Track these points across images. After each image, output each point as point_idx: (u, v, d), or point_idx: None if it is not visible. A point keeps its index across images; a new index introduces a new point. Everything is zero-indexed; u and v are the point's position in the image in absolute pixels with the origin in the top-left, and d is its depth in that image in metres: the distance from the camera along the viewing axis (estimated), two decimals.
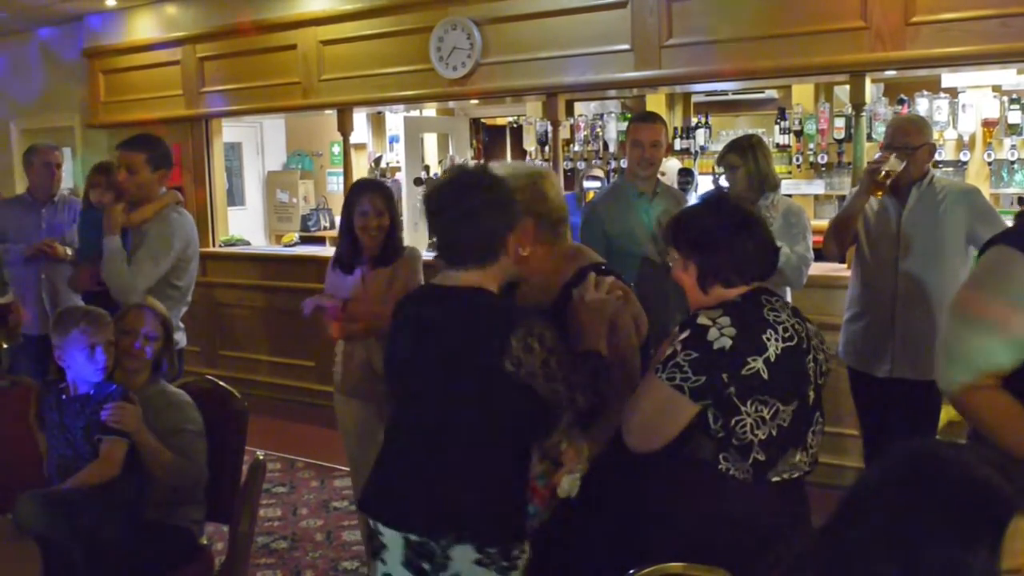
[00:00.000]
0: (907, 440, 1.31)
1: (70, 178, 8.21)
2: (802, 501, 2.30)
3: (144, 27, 7.81)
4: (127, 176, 4.23)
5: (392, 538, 2.25)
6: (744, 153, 4.12)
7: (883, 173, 3.66)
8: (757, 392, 2.13)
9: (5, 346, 4.47)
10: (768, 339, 2.15)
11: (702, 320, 2.17)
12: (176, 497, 3.09)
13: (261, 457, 3.14)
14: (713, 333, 2.13)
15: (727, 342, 2.12)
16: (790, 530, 2.19)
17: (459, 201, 2.24)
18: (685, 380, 2.13)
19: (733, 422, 2.15)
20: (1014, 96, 5.95)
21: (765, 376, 2.12)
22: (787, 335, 2.18)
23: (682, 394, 2.14)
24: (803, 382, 2.21)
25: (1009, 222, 3.82)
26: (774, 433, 2.16)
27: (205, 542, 3.28)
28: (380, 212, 3.59)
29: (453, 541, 2.18)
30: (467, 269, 2.25)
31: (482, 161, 7.97)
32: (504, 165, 2.84)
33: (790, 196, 6.35)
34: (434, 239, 2.32)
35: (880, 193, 3.73)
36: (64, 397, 3.04)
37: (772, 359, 2.13)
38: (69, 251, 5.02)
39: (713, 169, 6.70)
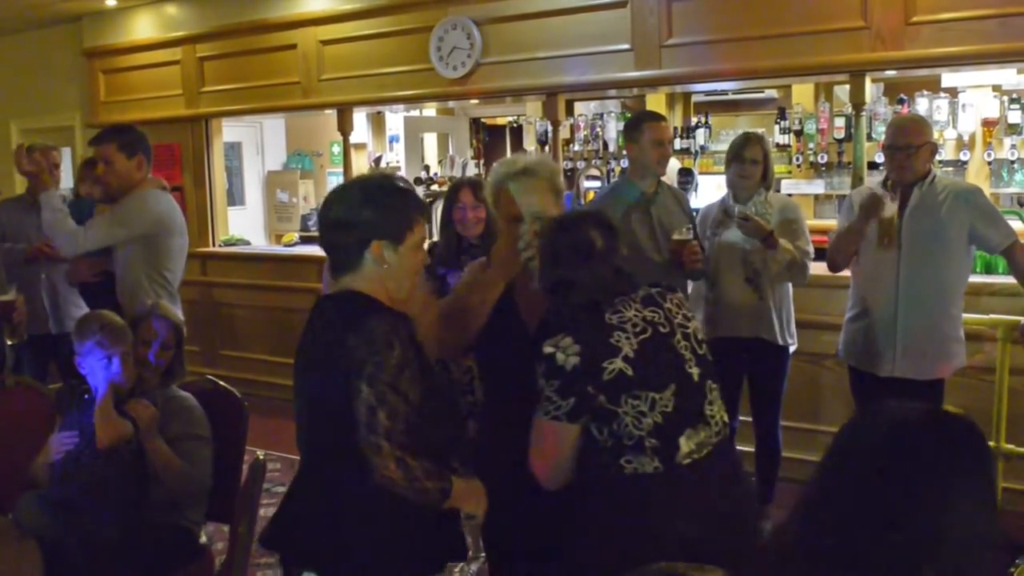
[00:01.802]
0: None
1: (70, 178, 8.19)
2: (729, 467, 2.32)
3: (144, 27, 7.81)
4: (106, 169, 4.17)
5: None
6: (765, 148, 4.14)
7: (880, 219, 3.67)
8: (626, 390, 2.15)
9: (11, 343, 4.46)
10: (618, 340, 2.17)
11: (547, 349, 2.19)
12: (178, 500, 3.09)
13: (261, 457, 3.13)
14: (560, 357, 2.16)
15: (575, 360, 2.15)
16: (720, 504, 2.20)
17: (324, 210, 2.29)
18: (558, 408, 2.17)
19: (615, 426, 2.17)
20: (1014, 96, 5.94)
21: (630, 373, 2.15)
22: (638, 329, 2.20)
23: (561, 422, 2.18)
24: (676, 364, 2.22)
25: (1011, 221, 3.83)
26: (660, 421, 2.17)
27: (205, 541, 3.28)
28: None
29: None
30: (343, 278, 2.25)
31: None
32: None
33: (790, 195, 6.36)
34: None
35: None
36: (87, 397, 3.07)
37: (631, 355, 2.16)
38: None
39: (714, 166, 6.70)
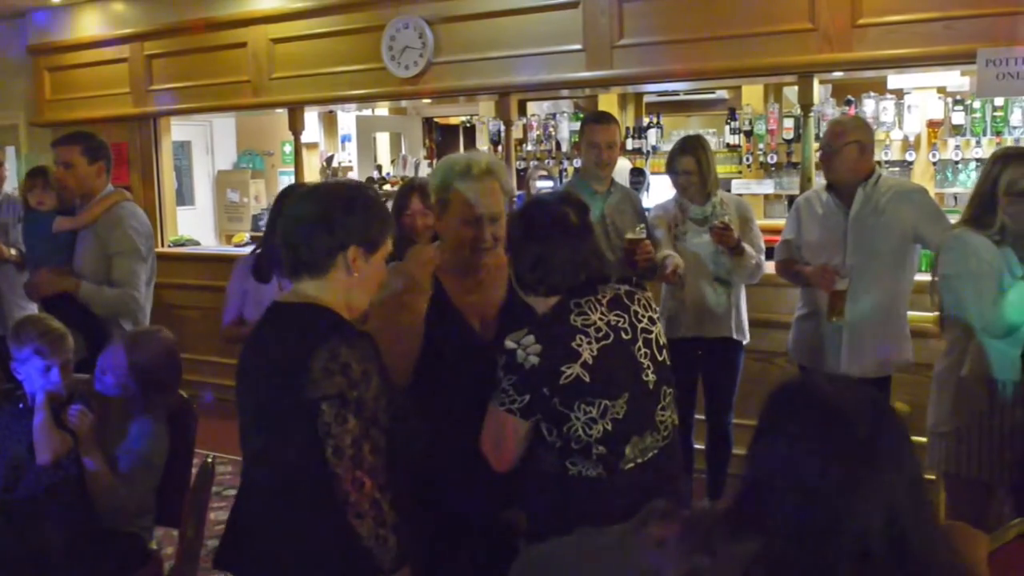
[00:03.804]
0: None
1: (14, 177, 8.04)
2: (671, 467, 2.34)
3: (91, 24, 7.67)
4: (64, 172, 4.12)
5: None
6: (698, 157, 4.12)
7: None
8: (580, 396, 2.17)
9: None
10: (579, 344, 2.18)
11: (508, 344, 2.20)
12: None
13: (210, 460, 3.10)
14: (520, 355, 2.17)
15: (535, 360, 2.16)
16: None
17: (297, 206, 2.17)
18: (513, 403, 2.20)
19: (565, 429, 2.19)
20: (958, 97, 6.07)
21: (586, 379, 2.16)
22: (600, 334, 2.21)
23: (514, 416, 2.21)
24: (632, 372, 2.24)
25: (954, 220, 3.89)
26: (609, 428, 2.19)
27: (155, 547, 3.23)
28: None
29: None
30: (301, 280, 2.14)
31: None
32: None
33: (740, 195, 6.42)
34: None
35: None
36: (21, 406, 3.01)
37: (589, 361, 2.17)
38: (13, 252, 4.91)
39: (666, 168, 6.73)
